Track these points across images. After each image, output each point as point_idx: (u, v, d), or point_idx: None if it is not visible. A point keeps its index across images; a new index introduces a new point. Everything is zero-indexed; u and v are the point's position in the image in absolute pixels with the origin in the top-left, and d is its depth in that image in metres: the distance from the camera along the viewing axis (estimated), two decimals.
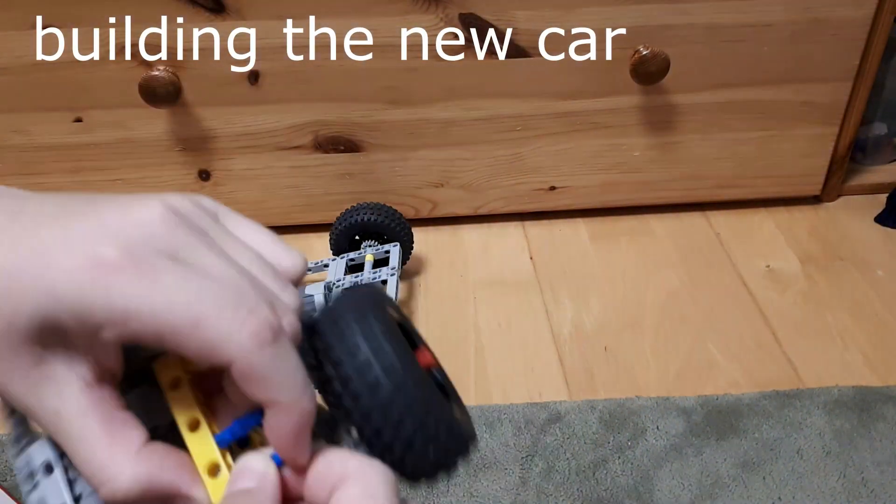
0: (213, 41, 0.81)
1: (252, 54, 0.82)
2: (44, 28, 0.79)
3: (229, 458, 0.28)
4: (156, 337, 0.25)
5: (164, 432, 0.28)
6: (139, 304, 0.25)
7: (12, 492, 0.66)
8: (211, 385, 0.29)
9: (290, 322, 0.27)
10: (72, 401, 0.26)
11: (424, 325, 0.83)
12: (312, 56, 0.82)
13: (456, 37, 0.82)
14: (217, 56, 0.81)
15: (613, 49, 0.84)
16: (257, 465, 0.27)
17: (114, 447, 0.26)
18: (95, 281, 0.25)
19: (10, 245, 0.26)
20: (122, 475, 0.26)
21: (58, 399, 0.26)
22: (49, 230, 0.26)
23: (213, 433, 0.28)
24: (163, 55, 0.81)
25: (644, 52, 0.84)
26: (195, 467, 0.27)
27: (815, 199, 1.00)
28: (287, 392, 0.26)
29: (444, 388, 0.31)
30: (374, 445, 0.28)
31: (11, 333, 0.26)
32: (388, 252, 0.82)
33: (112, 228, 0.26)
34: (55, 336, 0.26)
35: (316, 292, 0.75)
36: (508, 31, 0.83)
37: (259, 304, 0.26)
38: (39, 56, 0.80)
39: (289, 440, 0.27)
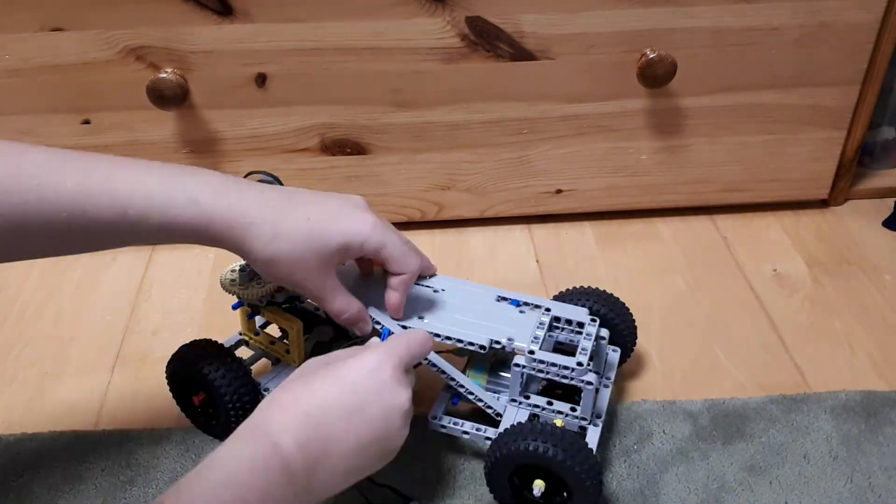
0: (220, 44, 0.81)
1: (259, 57, 0.82)
2: (52, 30, 0.79)
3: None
4: (388, 256, 0.61)
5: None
6: (385, 241, 0.60)
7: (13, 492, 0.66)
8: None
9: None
10: (333, 282, 0.60)
11: None
12: (319, 59, 0.82)
13: (462, 40, 0.83)
14: (224, 58, 0.82)
15: (620, 52, 0.84)
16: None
17: (346, 297, 0.61)
18: (374, 229, 0.59)
19: (312, 207, 0.57)
20: (352, 308, 0.62)
21: (331, 280, 0.60)
22: (331, 204, 0.59)
23: None
24: (170, 58, 0.81)
25: (651, 56, 0.84)
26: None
27: (822, 203, 0.99)
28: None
29: None
30: None
31: (324, 255, 0.57)
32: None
33: (362, 206, 0.61)
34: (345, 250, 0.58)
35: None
36: (515, 35, 0.83)
37: (416, 256, 0.66)
38: (47, 58, 0.81)
39: (404, 290, 0.64)
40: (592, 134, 0.90)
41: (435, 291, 0.69)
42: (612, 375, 0.69)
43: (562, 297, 0.73)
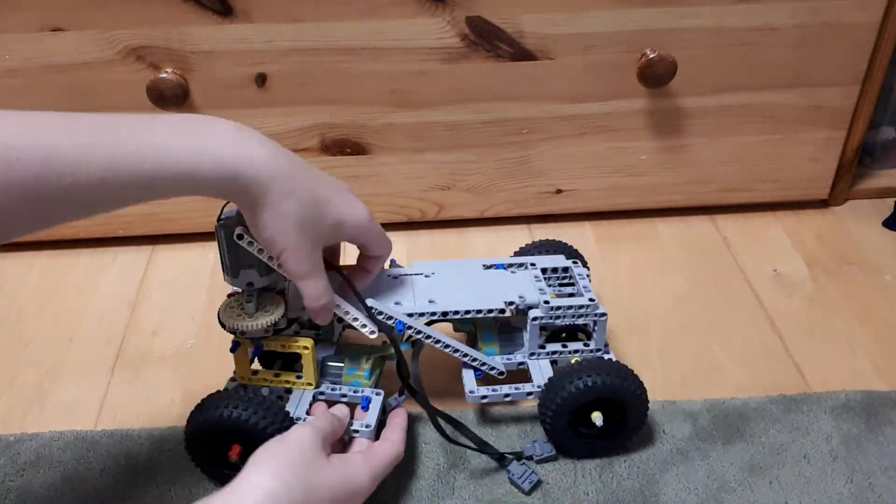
0: (220, 44, 0.81)
1: (259, 57, 0.82)
2: (52, 30, 0.79)
3: None
4: (373, 240, 0.64)
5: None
6: (375, 229, 0.63)
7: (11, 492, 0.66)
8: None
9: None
10: (322, 266, 0.60)
11: None
12: (319, 59, 0.82)
13: (462, 40, 0.82)
14: (224, 58, 0.82)
15: (620, 52, 0.84)
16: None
17: (328, 288, 0.61)
18: (366, 214, 0.61)
19: (315, 180, 0.58)
20: (326, 298, 0.61)
21: (320, 262, 0.60)
22: (327, 180, 0.60)
23: None
24: (170, 58, 0.81)
25: (651, 56, 0.84)
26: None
27: (822, 204, 0.99)
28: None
29: None
30: None
31: (319, 228, 0.58)
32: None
33: (352, 194, 0.62)
34: (331, 233, 0.60)
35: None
36: (515, 35, 0.83)
37: (389, 243, 0.66)
38: (47, 58, 0.81)
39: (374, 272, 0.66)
40: (593, 134, 0.90)
41: (427, 277, 0.71)
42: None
43: (523, 253, 0.79)
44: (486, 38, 0.83)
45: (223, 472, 0.64)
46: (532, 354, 0.70)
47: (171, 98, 0.81)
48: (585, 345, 0.70)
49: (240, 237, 0.60)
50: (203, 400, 0.63)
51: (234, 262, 0.62)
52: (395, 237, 0.95)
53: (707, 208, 0.98)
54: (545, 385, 0.66)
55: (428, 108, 0.87)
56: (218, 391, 0.64)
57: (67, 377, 0.78)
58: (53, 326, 0.84)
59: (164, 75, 0.81)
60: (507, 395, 0.68)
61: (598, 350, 0.70)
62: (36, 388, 0.76)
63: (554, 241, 0.79)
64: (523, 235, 0.95)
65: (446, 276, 0.71)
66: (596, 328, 0.69)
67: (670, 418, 0.72)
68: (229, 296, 0.66)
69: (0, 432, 0.71)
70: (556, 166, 0.92)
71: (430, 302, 0.67)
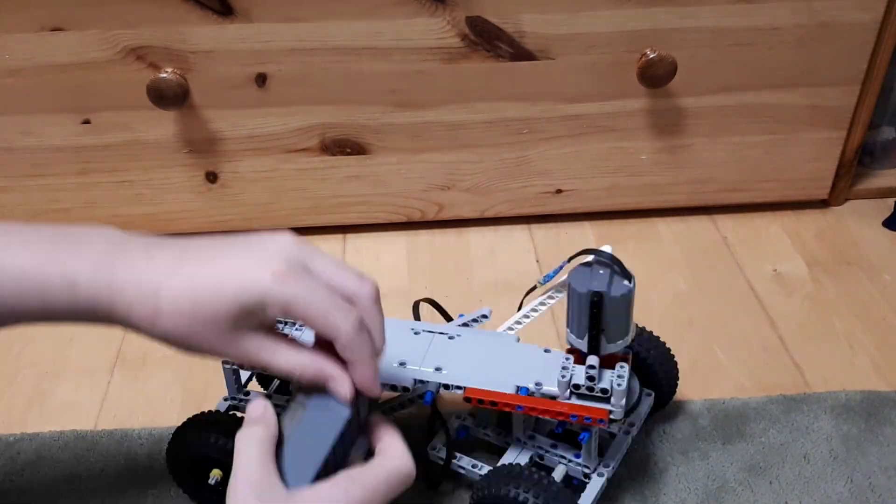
0: (220, 44, 0.81)
1: (259, 57, 0.82)
2: (52, 30, 0.79)
3: None
4: (302, 317, 0.45)
5: None
6: (296, 298, 0.44)
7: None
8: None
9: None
10: (258, 343, 0.46)
11: None
12: (319, 59, 0.82)
13: (462, 40, 0.82)
14: (224, 58, 0.82)
15: (620, 52, 0.84)
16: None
17: (290, 353, 0.47)
18: (275, 283, 0.44)
19: (199, 267, 0.45)
20: (305, 363, 0.47)
21: (250, 344, 0.46)
22: (226, 258, 0.46)
23: None
24: (170, 57, 0.81)
25: (651, 56, 0.84)
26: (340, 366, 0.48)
27: (822, 203, 0.99)
28: (368, 354, 0.47)
29: None
30: None
31: (219, 325, 0.44)
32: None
33: (272, 251, 0.45)
34: (246, 315, 0.45)
35: None
36: (515, 35, 0.83)
37: (351, 309, 0.46)
38: (47, 58, 0.81)
39: (368, 380, 0.47)
40: (593, 134, 0.90)
41: (450, 338, 0.64)
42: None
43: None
44: (486, 38, 0.83)
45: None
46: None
47: (171, 98, 0.81)
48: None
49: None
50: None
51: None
52: (395, 237, 0.95)
53: (707, 208, 0.98)
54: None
55: (428, 108, 0.87)
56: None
57: (67, 377, 0.78)
58: (53, 326, 0.83)
59: (164, 75, 0.81)
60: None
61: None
62: (36, 388, 0.76)
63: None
64: (523, 235, 0.95)
65: (469, 343, 0.64)
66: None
67: (670, 418, 0.72)
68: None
69: (0, 432, 0.71)
70: (556, 166, 0.92)
71: (437, 370, 0.61)
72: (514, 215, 0.96)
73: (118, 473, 0.67)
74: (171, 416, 0.73)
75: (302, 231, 0.93)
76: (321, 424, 0.47)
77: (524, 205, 0.95)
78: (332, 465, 0.46)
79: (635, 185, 0.94)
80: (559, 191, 0.94)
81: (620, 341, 0.58)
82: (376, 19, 0.81)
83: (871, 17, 0.84)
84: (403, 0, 0.80)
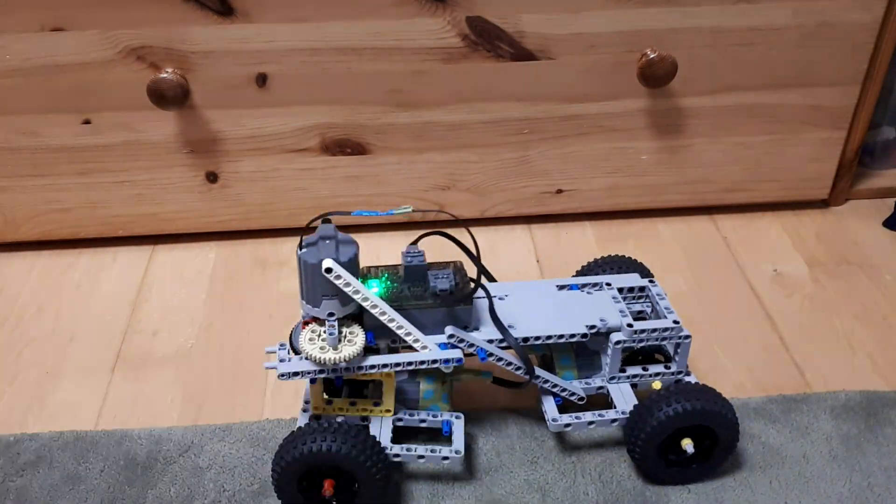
0: (220, 44, 0.81)
1: (259, 57, 0.82)
2: (52, 30, 0.79)
3: None
4: None
5: None
6: None
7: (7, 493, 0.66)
8: None
9: None
10: None
11: None
12: (319, 59, 0.82)
13: (463, 40, 0.83)
14: (225, 58, 0.82)
15: (620, 52, 0.84)
16: None
17: None
18: None
19: None
20: None
21: None
22: None
23: None
24: (171, 58, 0.81)
25: (651, 56, 0.84)
26: None
27: (822, 204, 0.99)
28: None
29: None
30: None
31: None
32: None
33: None
34: None
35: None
36: (515, 35, 0.83)
37: None
38: (48, 58, 0.81)
39: None
40: (593, 134, 0.90)
41: (501, 300, 0.67)
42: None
43: (588, 270, 0.75)
44: (487, 38, 0.83)
45: None
46: (612, 378, 0.67)
47: (172, 98, 0.81)
48: (666, 367, 0.67)
49: (328, 271, 0.58)
50: (286, 439, 0.60)
51: (317, 291, 0.60)
52: (395, 237, 0.95)
53: (707, 208, 0.98)
54: (632, 412, 0.64)
55: (428, 108, 0.87)
56: (299, 427, 0.61)
57: (67, 377, 0.78)
58: (53, 326, 0.84)
59: (165, 75, 0.81)
60: (591, 423, 0.65)
61: (680, 373, 0.67)
62: (36, 388, 0.76)
63: (620, 256, 0.75)
64: (523, 235, 0.95)
65: (521, 299, 0.68)
66: (679, 350, 0.66)
67: None
68: (305, 323, 0.63)
69: (0, 432, 0.71)
70: (557, 166, 0.92)
71: (510, 327, 0.64)
72: (514, 215, 0.96)
73: (118, 473, 0.67)
74: (170, 417, 0.73)
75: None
76: None
77: (524, 205, 0.95)
78: None
79: (635, 185, 0.94)
80: (559, 191, 0.94)
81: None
82: (376, 19, 0.81)
83: (871, 17, 0.84)
84: (404, 0, 0.80)
